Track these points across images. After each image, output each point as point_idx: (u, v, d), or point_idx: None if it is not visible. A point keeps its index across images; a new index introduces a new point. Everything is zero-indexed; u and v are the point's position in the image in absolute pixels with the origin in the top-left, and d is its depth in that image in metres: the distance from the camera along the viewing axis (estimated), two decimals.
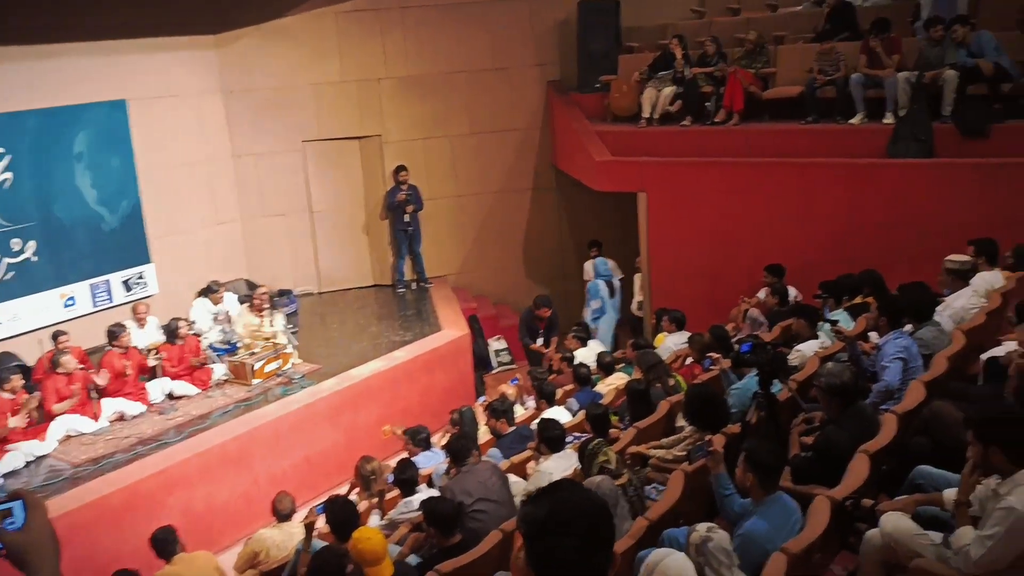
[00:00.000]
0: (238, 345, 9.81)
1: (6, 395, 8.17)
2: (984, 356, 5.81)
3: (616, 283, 12.03)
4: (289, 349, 9.86)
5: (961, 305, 6.74)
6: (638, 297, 11.82)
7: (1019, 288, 6.92)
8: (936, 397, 5.23)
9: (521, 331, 11.22)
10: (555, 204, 13.47)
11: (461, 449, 5.88)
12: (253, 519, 7.90)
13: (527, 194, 13.40)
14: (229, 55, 11.95)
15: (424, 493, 6.03)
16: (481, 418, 8.08)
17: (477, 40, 12.83)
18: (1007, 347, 5.56)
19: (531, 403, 8.52)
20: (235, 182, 12.26)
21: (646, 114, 11.53)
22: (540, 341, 10.94)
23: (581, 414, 7.11)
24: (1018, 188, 8.43)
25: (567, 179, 12.87)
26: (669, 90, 11.35)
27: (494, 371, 12.13)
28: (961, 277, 6.96)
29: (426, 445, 7.54)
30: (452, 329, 10.89)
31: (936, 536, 3.83)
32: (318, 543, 5.38)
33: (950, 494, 3.96)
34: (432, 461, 7.18)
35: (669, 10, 13.52)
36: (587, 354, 9.32)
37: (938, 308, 6.65)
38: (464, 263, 13.36)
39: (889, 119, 9.57)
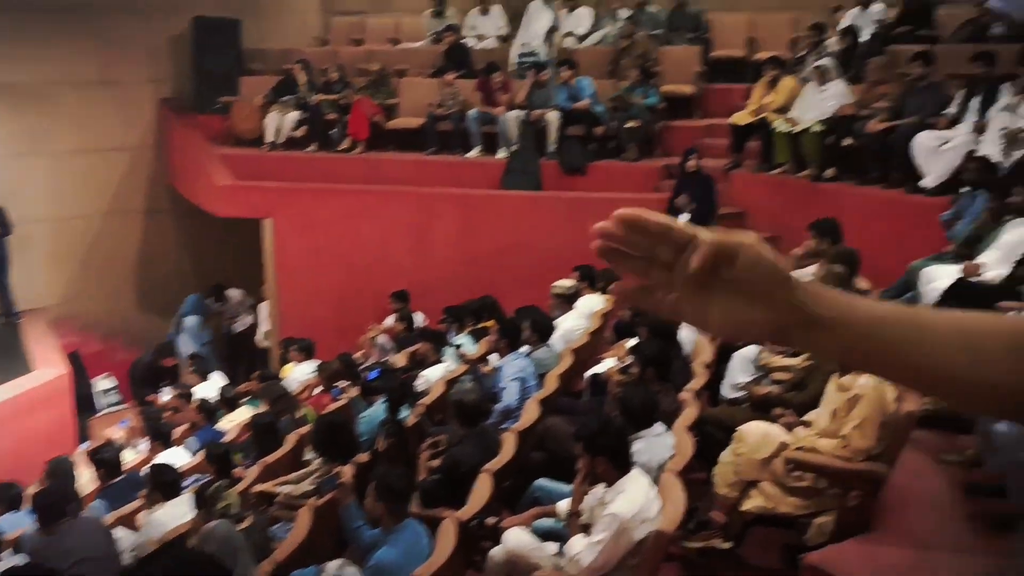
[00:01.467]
0: None
1: None
2: (587, 373, 6.36)
3: (187, 323, 11.41)
4: None
5: (568, 327, 7.33)
6: (264, 326, 11.41)
7: (615, 309, 7.70)
8: (549, 414, 5.59)
9: (135, 387, 10.17)
10: (173, 228, 12.56)
11: (51, 505, 5.14)
12: None
13: (139, 217, 12.38)
14: None
15: (7, 561, 5.18)
16: (84, 467, 7.21)
17: (83, 51, 11.66)
18: (607, 364, 6.12)
19: (144, 445, 7.79)
20: None
21: (270, 138, 11.26)
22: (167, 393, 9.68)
23: (201, 454, 6.62)
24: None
25: (187, 202, 12.10)
26: (293, 115, 11.19)
27: (100, 413, 10.93)
28: (567, 301, 7.60)
29: (15, 504, 6.56)
30: (48, 368, 9.63)
31: (552, 547, 4.03)
32: None
33: (563, 505, 4.21)
34: (20, 524, 6.23)
35: (292, 36, 13.34)
36: (209, 388, 8.75)
37: None
38: (66, 293, 11.92)
39: (502, 153, 10.28)
